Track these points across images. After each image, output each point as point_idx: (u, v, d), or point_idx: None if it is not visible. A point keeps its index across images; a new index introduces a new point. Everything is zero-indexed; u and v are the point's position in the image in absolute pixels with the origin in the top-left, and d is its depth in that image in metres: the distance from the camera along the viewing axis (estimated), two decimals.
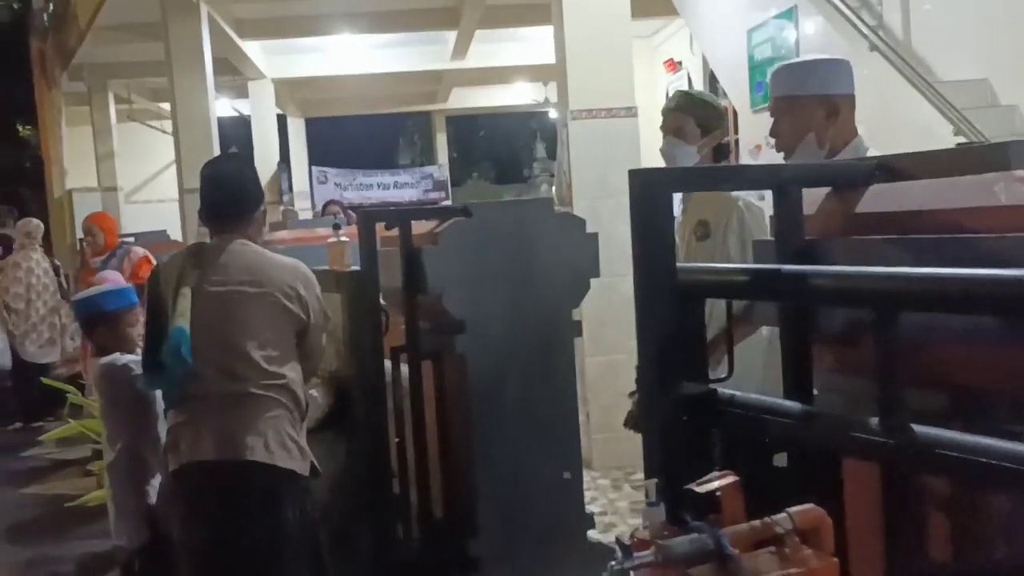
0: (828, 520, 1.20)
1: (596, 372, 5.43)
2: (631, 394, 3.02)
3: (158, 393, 3.00)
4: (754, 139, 6.20)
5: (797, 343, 1.50)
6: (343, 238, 3.32)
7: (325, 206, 9.75)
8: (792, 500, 1.37)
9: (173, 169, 9.36)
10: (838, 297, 1.37)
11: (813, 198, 1.65)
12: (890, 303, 1.24)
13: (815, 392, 1.52)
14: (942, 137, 4.35)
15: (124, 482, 3.14)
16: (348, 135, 25.93)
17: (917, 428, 1.23)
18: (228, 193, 2.89)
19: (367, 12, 10.26)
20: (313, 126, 18.45)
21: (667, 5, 7.57)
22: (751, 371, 2.70)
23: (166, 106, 11.91)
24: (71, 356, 7.14)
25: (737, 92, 6.77)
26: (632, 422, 3.00)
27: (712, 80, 10.02)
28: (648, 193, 1.45)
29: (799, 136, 2.58)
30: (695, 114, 3.08)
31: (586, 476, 4.02)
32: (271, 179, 12.65)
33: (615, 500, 4.85)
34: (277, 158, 13.62)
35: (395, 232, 3.04)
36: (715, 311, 2.94)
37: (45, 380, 5.72)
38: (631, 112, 5.51)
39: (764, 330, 2.61)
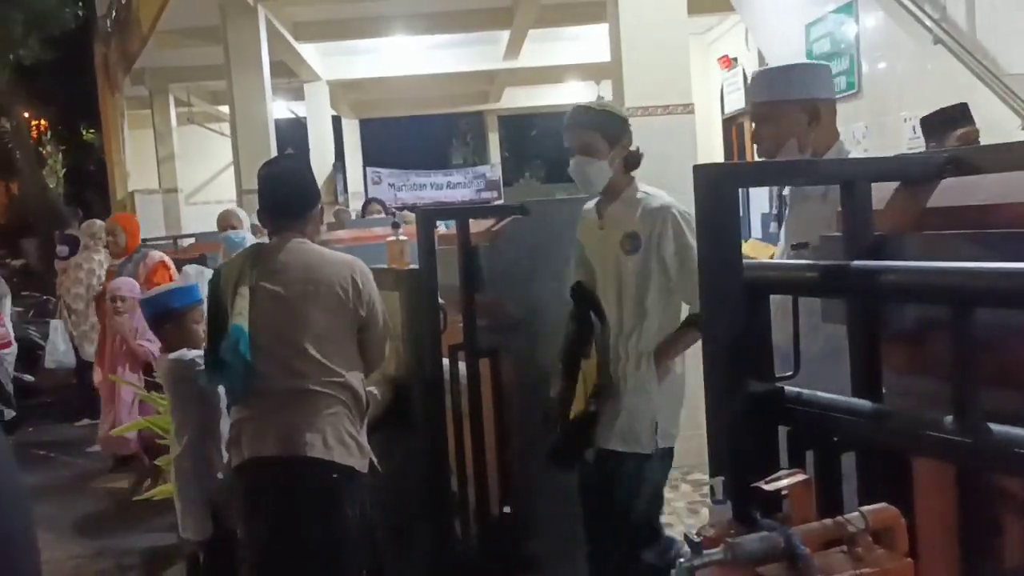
0: (902, 520, 1.18)
1: None
2: (548, 420, 2.92)
3: (222, 389, 3.06)
4: None
5: (866, 341, 1.47)
6: (402, 237, 3.34)
7: (365, 205, 9.84)
8: (861, 500, 1.35)
9: (231, 171, 9.55)
10: (911, 293, 1.34)
11: (882, 193, 1.63)
12: (965, 299, 1.22)
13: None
14: (1010, 131, 4.25)
15: (189, 476, 3.20)
16: (401, 136, 26.13)
17: (994, 427, 1.20)
18: (285, 192, 2.92)
19: (421, 13, 10.33)
20: (367, 127, 18.65)
21: (723, 1, 7.49)
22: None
23: (225, 109, 12.13)
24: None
25: None
26: (557, 454, 2.92)
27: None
28: (713, 189, 1.43)
29: (781, 141, 2.56)
30: (600, 127, 2.94)
31: None
32: (326, 180, 12.82)
33: (672, 500, 4.81)
34: (332, 159, 13.79)
35: (452, 230, 3.05)
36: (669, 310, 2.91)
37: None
38: (688, 109, 5.47)
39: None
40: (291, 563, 2.72)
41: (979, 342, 1.23)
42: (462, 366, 3.14)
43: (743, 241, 3.44)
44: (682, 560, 1.12)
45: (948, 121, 3.88)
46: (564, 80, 15.25)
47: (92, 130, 22.19)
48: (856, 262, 1.44)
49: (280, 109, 13.57)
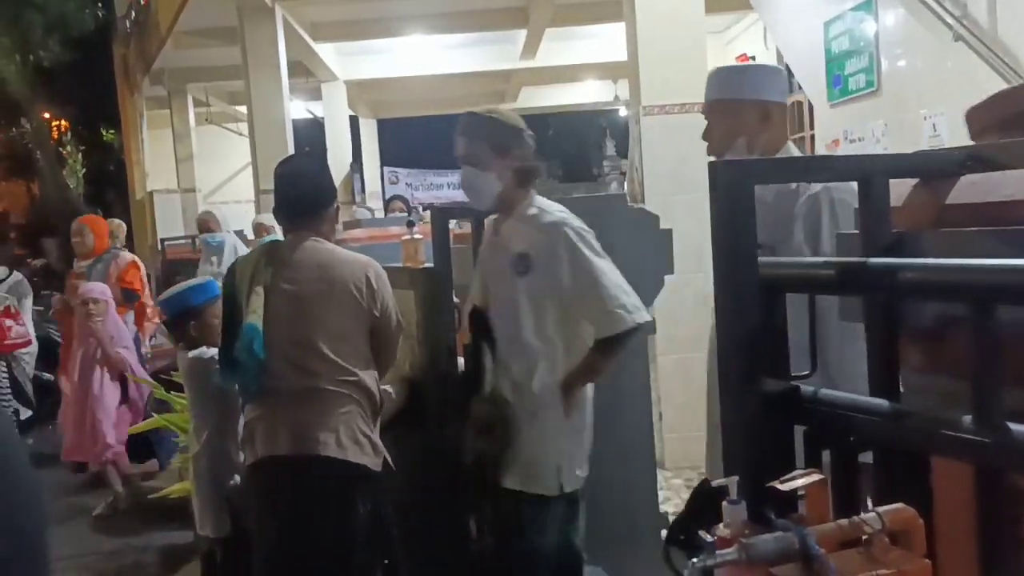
0: (919, 521, 1.16)
1: (669, 371, 5.38)
2: (475, 424, 2.70)
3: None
4: (831, 134, 6.07)
5: (884, 339, 1.45)
6: (417, 235, 3.34)
7: (389, 202, 9.86)
8: (878, 500, 1.33)
9: (249, 171, 9.57)
10: (930, 290, 1.32)
11: (900, 190, 1.61)
12: (986, 296, 1.20)
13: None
14: None
15: (207, 473, 3.22)
16: (419, 135, 26.15)
17: (1013, 426, 1.18)
18: (301, 190, 2.93)
19: (439, 13, 10.33)
20: (385, 127, 18.68)
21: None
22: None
23: (243, 109, 12.17)
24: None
25: (813, 86, 6.62)
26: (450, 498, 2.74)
27: (787, 74, 9.84)
28: (730, 186, 1.42)
29: (730, 140, 2.54)
30: (487, 137, 2.77)
31: (659, 476, 3.98)
32: (344, 180, 12.85)
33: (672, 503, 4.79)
34: (350, 159, 13.81)
35: (468, 229, 3.04)
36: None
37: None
38: None
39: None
40: (304, 562, 2.72)
41: (999, 340, 1.21)
42: None
43: None
44: (695, 560, 1.11)
45: None
46: (581, 79, 15.22)
47: (112, 131, 22.36)
48: (874, 259, 1.42)
49: (298, 109, 13.61)
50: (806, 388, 1.47)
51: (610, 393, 2.98)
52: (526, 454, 2.66)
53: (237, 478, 3.14)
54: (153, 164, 14.53)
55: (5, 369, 6.83)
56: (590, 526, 2.85)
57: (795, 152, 2.62)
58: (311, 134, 15.63)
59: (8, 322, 6.51)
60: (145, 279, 6.32)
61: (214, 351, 3.20)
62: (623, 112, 16.83)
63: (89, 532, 5.13)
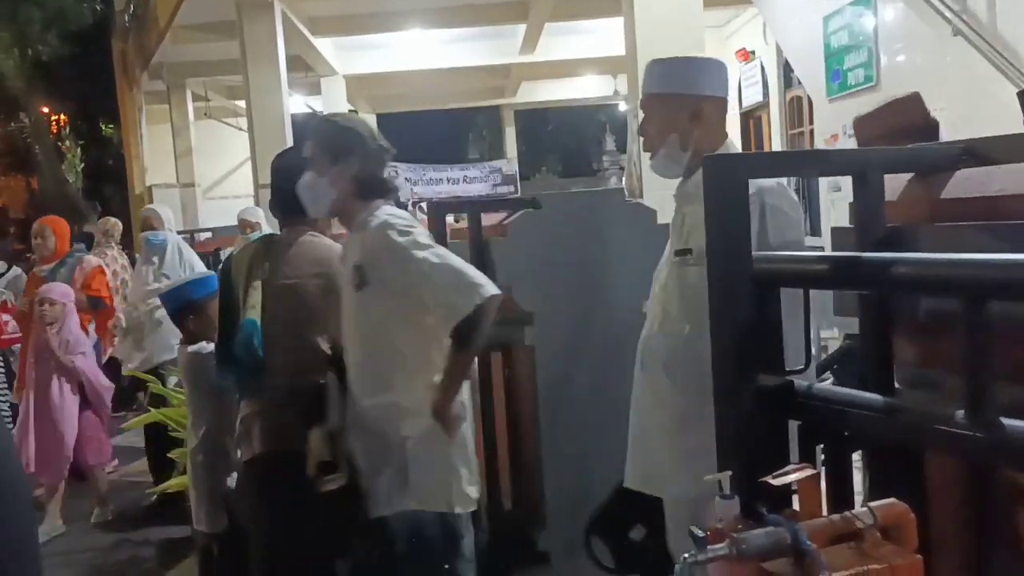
0: (912, 516, 1.16)
1: None
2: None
3: None
4: (830, 129, 6.06)
5: (878, 334, 1.45)
6: None
7: None
8: (871, 495, 1.33)
9: (248, 165, 9.58)
10: (924, 285, 1.32)
11: (894, 184, 1.60)
12: (980, 291, 1.19)
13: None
14: None
15: (205, 468, 3.21)
16: (418, 130, 26.15)
17: (1007, 422, 1.18)
18: (296, 185, 2.91)
19: (438, 7, 10.33)
20: (384, 122, 18.66)
21: None
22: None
23: (242, 103, 12.17)
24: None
25: (812, 81, 6.62)
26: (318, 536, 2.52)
27: (786, 69, 9.85)
28: (724, 180, 1.41)
29: (663, 136, 2.37)
30: (321, 140, 2.61)
31: None
32: None
33: None
34: None
35: (465, 224, 3.04)
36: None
37: (126, 371, 5.87)
38: None
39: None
40: (299, 557, 2.72)
41: (993, 335, 1.21)
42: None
43: None
44: (687, 555, 1.11)
45: None
46: (581, 74, 15.24)
47: (111, 125, 22.32)
48: (868, 254, 1.42)
49: (297, 104, 13.59)
50: (800, 383, 1.47)
51: (606, 386, 2.98)
52: (402, 478, 2.45)
53: (234, 474, 3.14)
54: (152, 159, 14.51)
55: (2, 364, 6.81)
56: (584, 518, 2.86)
57: (736, 149, 2.49)
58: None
59: (5, 317, 6.46)
60: (111, 283, 6.17)
61: (212, 346, 3.19)
62: (622, 107, 16.83)
63: (87, 527, 5.13)
